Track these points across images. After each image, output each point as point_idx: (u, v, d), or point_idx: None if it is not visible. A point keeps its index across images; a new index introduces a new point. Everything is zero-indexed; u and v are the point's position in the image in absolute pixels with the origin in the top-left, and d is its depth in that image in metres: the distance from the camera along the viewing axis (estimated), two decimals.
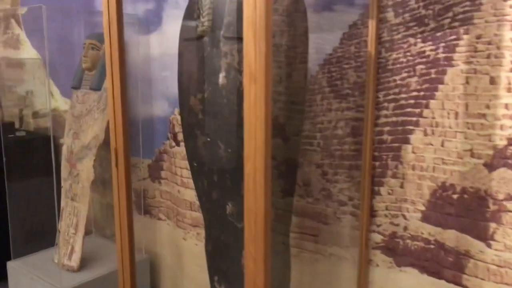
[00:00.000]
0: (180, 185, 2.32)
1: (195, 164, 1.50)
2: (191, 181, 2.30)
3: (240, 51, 1.32)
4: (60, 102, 2.90)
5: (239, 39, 1.33)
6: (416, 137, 1.56)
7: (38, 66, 2.97)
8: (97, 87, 2.28)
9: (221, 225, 1.47)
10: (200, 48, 1.40)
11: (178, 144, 2.28)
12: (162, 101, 2.33)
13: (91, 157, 2.27)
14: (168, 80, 2.26)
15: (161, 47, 2.28)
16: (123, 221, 1.50)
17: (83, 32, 2.59)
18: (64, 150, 2.42)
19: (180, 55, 1.49)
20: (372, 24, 1.52)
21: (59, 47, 2.73)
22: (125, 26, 2.40)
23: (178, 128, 2.27)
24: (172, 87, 2.24)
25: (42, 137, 2.87)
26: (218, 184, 1.44)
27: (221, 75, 1.36)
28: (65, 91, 2.85)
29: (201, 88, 1.40)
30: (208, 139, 1.42)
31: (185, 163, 2.26)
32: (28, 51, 3.04)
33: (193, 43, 1.43)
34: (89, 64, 2.32)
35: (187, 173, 2.25)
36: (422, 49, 1.50)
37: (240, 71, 1.33)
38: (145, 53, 2.34)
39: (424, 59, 1.50)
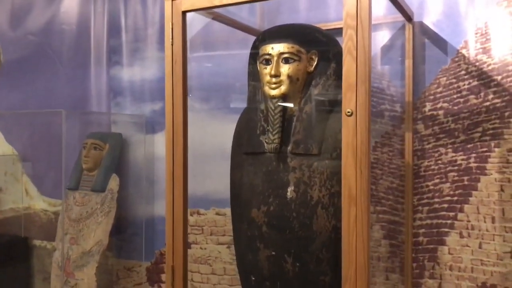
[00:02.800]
0: None
1: (253, 278, 1.46)
2: (204, 285, 2.20)
3: (309, 167, 1.37)
4: (37, 200, 2.70)
5: (307, 155, 1.38)
6: (452, 239, 1.66)
7: (13, 162, 2.77)
8: (101, 189, 2.17)
9: None
10: (263, 161, 1.42)
11: (188, 246, 2.19)
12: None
13: (94, 264, 2.10)
14: None
15: None
16: None
17: (75, 131, 2.48)
18: (57, 257, 2.22)
19: (236, 167, 1.50)
20: (408, 136, 1.66)
21: (39, 145, 2.61)
22: (130, 125, 2.37)
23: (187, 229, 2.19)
24: None
25: (15, 239, 2.62)
26: None
27: (290, 189, 1.38)
28: (45, 190, 2.67)
29: (266, 201, 1.40)
30: (273, 253, 1.40)
31: (196, 267, 2.17)
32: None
33: (254, 157, 1.45)
34: (91, 164, 2.22)
35: (199, 277, 2.15)
36: (454, 158, 1.65)
37: (310, 185, 1.36)
38: (149, 152, 2.30)
39: (456, 167, 1.65)
